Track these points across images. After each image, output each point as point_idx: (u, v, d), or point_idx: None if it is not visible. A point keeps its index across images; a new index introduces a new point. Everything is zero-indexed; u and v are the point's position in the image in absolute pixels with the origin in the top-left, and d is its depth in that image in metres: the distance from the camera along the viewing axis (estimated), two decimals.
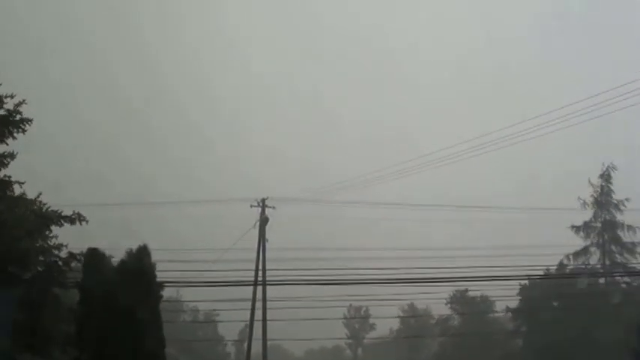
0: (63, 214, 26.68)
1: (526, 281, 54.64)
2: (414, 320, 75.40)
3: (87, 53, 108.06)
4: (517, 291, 56.49)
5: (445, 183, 76.06)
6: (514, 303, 59.38)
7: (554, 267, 56.20)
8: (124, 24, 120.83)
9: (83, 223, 26.84)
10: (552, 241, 52.49)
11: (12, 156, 26.41)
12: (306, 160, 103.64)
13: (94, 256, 25.88)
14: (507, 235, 55.52)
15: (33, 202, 26.58)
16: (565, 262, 58.70)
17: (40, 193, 26.71)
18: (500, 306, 61.30)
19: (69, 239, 26.96)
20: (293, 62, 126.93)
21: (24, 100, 26.38)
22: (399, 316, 73.84)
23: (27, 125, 26.47)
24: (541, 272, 51.49)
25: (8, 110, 26.28)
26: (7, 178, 26.39)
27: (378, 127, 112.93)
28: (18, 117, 26.34)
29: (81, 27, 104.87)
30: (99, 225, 34.28)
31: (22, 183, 26.45)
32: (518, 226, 57.57)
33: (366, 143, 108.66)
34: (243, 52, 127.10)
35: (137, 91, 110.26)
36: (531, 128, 44.11)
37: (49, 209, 26.63)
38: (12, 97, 26.29)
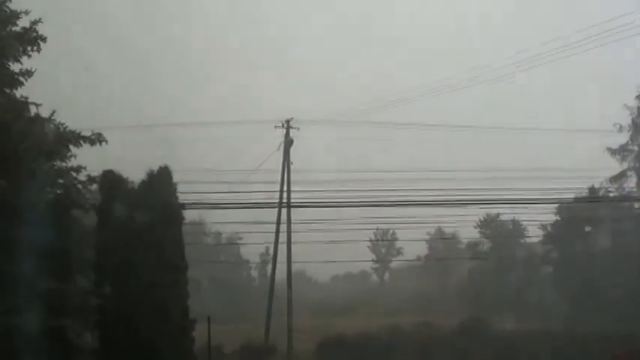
0: (82, 134, 26.01)
1: (560, 205, 53.48)
2: (442, 245, 74.71)
3: None
4: (550, 215, 55.30)
5: (479, 104, 73.56)
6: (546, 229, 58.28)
7: (587, 191, 54.95)
8: None
9: (104, 144, 26.16)
10: (589, 165, 50.89)
11: (29, 73, 25.56)
12: (332, 80, 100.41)
13: (110, 179, 25.29)
14: (541, 158, 54.11)
15: (50, 121, 25.82)
16: (601, 186, 57.27)
17: (54, 112, 25.78)
18: (532, 231, 60.27)
19: (89, 162, 26.26)
20: None
21: (40, 19, 25.52)
22: (426, 239, 73.16)
23: (42, 43, 25.57)
24: (573, 195, 50.69)
25: (24, 28, 25.42)
26: (23, 99, 25.62)
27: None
28: (33, 35, 25.48)
29: None
30: (120, 147, 33.50)
31: (39, 105, 25.65)
32: (553, 149, 55.92)
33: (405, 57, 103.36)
34: None
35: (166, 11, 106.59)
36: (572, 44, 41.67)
37: (67, 129, 25.91)
38: (27, 13, 25.43)
